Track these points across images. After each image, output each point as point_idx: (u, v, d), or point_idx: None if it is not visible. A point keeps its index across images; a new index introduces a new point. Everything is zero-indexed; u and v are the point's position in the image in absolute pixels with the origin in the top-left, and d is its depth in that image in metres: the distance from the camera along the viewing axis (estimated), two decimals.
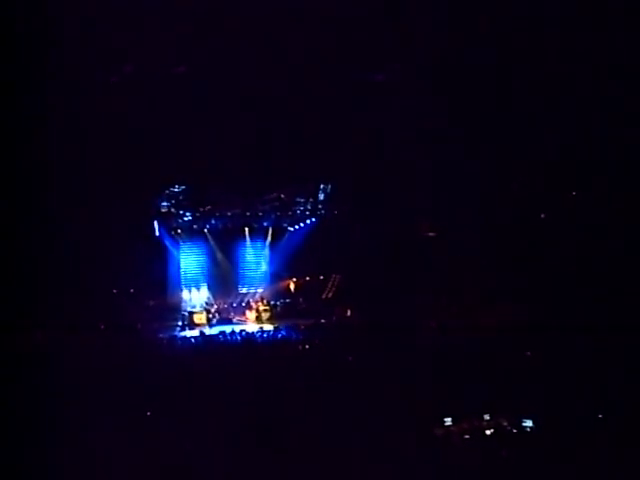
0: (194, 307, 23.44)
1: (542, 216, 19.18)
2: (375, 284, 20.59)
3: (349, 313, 21.84)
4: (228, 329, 21.33)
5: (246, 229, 24.25)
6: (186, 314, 22.95)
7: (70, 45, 15.67)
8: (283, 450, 11.04)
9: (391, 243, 20.68)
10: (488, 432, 11.55)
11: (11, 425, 11.20)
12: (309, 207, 23.78)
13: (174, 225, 23.57)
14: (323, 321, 21.73)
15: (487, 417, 11.85)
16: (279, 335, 20.58)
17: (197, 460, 10.93)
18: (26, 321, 16.14)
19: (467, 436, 11.53)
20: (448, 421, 11.88)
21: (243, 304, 23.99)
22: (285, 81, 18.07)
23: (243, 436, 11.49)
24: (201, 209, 23.69)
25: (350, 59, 17.61)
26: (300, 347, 18.59)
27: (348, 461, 10.42)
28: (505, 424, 11.56)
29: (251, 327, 21.87)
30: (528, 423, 11.53)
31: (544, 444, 10.70)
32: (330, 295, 23.37)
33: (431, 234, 21.28)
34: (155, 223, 23.03)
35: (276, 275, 24.39)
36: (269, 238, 24.38)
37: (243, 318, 23.45)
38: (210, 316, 23.07)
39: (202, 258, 24.13)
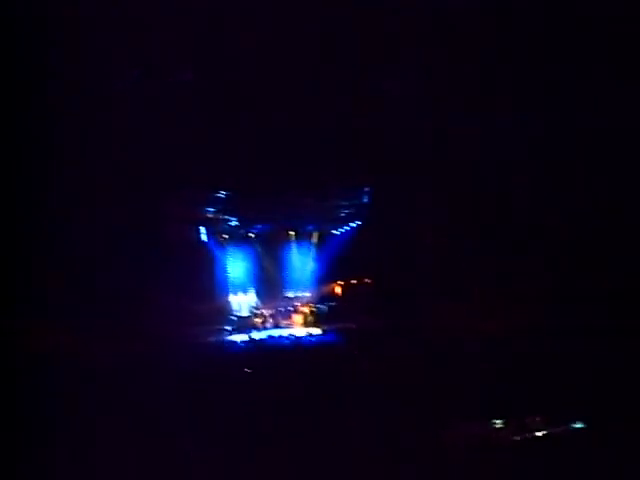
0: (241, 311, 23.63)
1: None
2: (419, 287, 20.52)
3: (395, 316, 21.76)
4: (276, 333, 21.50)
5: (291, 233, 24.36)
6: (234, 318, 23.16)
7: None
8: (326, 449, 11.06)
9: (437, 246, 20.59)
10: (539, 434, 11.41)
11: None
12: (353, 210, 23.77)
13: (220, 230, 23.80)
14: (370, 325, 21.73)
15: (538, 419, 11.71)
16: (327, 339, 20.65)
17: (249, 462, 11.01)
18: (70, 326, 16.42)
19: (517, 437, 11.41)
20: (498, 422, 11.78)
21: (290, 308, 24.10)
22: (333, 83, 18.12)
23: (292, 438, 11.54)
24: (246, 214, 23.86)
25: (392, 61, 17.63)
26: (348, 350, 18.63)
27: (393, 463, 10.41)
28: (556, 426, 11.41)
29: (298, 331, 21.97)
30: (579, 425, 11.37)
31: (594, 446, 10.55)
32: (375, 298, 23.31)
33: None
34: (202, 229, 23.29)
35: (322, 278, 24.43)
36: (314, 242, 24.45)
37: (290, 322, 23.56)
38: (258, 320, 23.26)
39: (248, 263, 24.33)
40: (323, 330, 21.44)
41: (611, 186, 17.17)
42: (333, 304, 24.03)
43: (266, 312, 23.76)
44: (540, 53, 16.40)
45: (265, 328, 22.88)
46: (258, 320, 23.24)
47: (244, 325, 22.87)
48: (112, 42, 15.72)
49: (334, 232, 24.29)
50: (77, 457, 10.59)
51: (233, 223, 23.90)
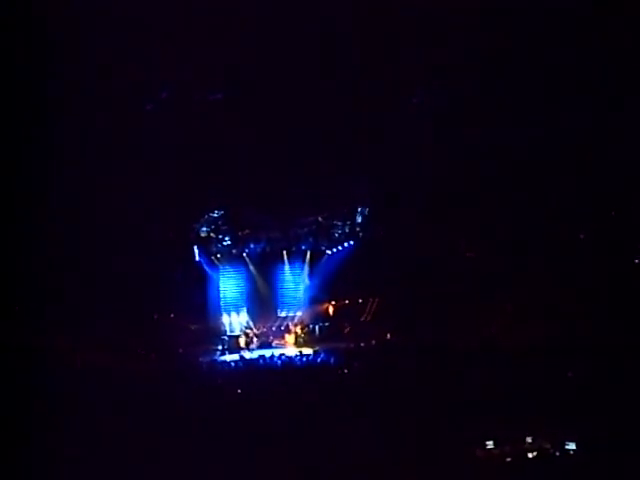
0: (234, 331, 23.50)
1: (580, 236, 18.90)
2: (413, 306, 20.48)
3: (389, 336, 21.70)
4: (268, 353, 21.37)
5: (284, 252, 24.31)
6: (226, 338, 23.03)
7: (110, 72, 16.03)
8: (320, 473, 11.01)
9: (429, 265, 20.56)
10: (530, 455, 11.37)
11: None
12: (347, 230, 23.76)
13: (213, 250, 23.73)
14: (362, 344, 21.65)
15: (529, 440, 11.68)
16: (318, 359, 20.54)
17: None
18: (65, 344, 16.33)
19: (509, 459, 11.37)
20: (490, 444, 11.74)
21: (282, 328, 23.96)
22: (321, 104, 18.20)
23: (280, 459, 11.48)
24: (240, 233, 23.83)
25: (388, 81, 17.72)
26: (339, 371, 18.56)
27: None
28: (547, 447, 11.38)
29: (290, 351, 21.85)
30: (571, 446, 11.33)
31: (587, 467, 10.51)
32: (369, 318, 23.24)
33: (469, 254, 21.10)
34: (195, 248, 23.24)
35: (315, 298, 24.33)
36: (307, 261, 24.39)
37: (282, 342, 23.41)
38: (250, 340, 23.14)
39: (241, 282, 24.22)
40: (314, 351, 21.30)
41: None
42: (326, 324, 23.92)
43: (257, 332, 23.62)
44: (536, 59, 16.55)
45: (257, 348, 22.74)
46: (250, 340, 23.10)
47: (236, 345, 22.73)
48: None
49: (327, 252, 24.22)
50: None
51: (226, 242, 23.83)
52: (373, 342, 21.56)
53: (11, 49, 13.98)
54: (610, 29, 15.77)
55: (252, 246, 24.20)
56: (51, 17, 14.47)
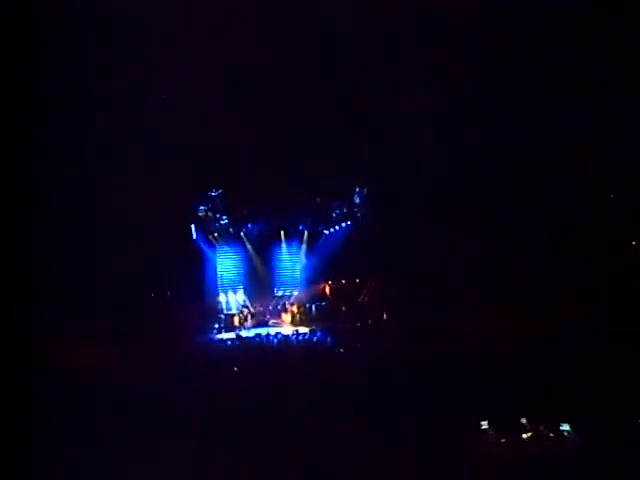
0: (230, 310, 23.58)
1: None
2: (411, 288, 20.51)
3: (385, 317, 21.77)
4: (264, 332, 21.49)
5: (282, 232, 24.32)
6: (223, 317, 23.13)
7: (111, 59, 16.00)
8: (315, 454, 11.07)
9: (427, 246, 20.56)
10: (525, 436, 11.44)
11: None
12: (345, 210, 23.76)
13: (211, 229, 23.73)
14: (359, 324, 21.74)
15: (524, 421, 11.74)
16: (314, 338, 20.65)
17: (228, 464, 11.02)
18: (60, 329, 16.33)
19: (503, 440, 11.44)
20: (484, 425, 11.81)
21: (279, 307, 24.05)
22: (317, 83, 18.13)
23: (274, 438, 11.55)
24: (237, 213, 23.81)
25: (383, 59, 17.63)
26: (335, 350, 18.64)
27: (384, 465, 10.41)
28: (542, 428, 11.45)
29: (287, 330, 21.95)
30: (565, 427, 11.40)
31: (581, 448, 10.59)
32: (366, 299, 23.30)
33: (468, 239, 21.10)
34: (192, 227, 23.24)
35: (312, 278, 24.39)
36: (305, 241, 24.41)
37: (279, 321, 23.52)
38: (246, 319, 23.24)
39: (238, 261, 24.25)
40: (311, 330, 21.39)
41: None
42: (323, 304, 23.99)
43: (254, 310, 23.70)
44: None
45: (253, 326, 22.84)
46: (246, 318, 23.20)
47: (232, 323, 22.83)
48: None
49: (325, 232, 24.23)
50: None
51: (224, 221, 23.81)
52: (369, 322, 21.68)
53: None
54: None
55: (250, 226, 24.19)
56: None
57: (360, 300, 23.30)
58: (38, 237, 15.93)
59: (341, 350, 18.55)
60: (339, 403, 13.25)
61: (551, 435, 11.32)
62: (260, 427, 12.06)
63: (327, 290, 24.16)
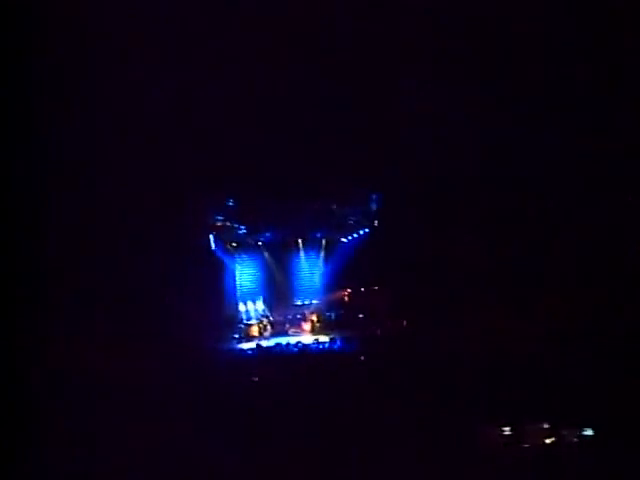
0: (250, 320, 23.61)
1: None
2: (430, 295, 20.43)
3: (405, 324, 21.70)
4: (284, 341, 21.48)
5: (300, 241, 24.34)
6: (242, 327, 23.16)
7: (123, 61, 16.07)
8: (339, 460, 11.02)
9: (445, 253, 20.48)
10: (548, 441, 11.32)
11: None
12: (362, 217, 23.74)
13: (229, 239, 23.80)
14: (379, 332, 21.68)
15: (547, 426, 11.63)
16: (335, 346, 20.62)
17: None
18: (77, 336, 16.40)
19: (526, 445, 11.33)
20: (507, 430, 11.71)
21: (298, 316, 24.06)
22: (335, 93, 18.14)
23: (298, 448, 11.51)
24: (255, 222, 23.86)
25: (401, 70, 17.63)
26: (356, 358, 18.58)
27: (403, 470, 10.36)
28: (565, 433, 11.32)
29: (306, 339, 21.93)
30: (588, 432, 11.27)
31: (604, 453, 10.45)
32: (385, 306, 23.24)
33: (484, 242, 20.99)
34: (211, 237, 23.30)
35: (331, 286, 24.38)
36: (323, 249, 24.42)
37: (298, 330, 23.53)
38: (265, 328, 23.25)
39: (257, 271, 24.31)
40: (331, 338, 21.36)
41: None
42: (342, 312, 23.96)
43: (273, 320, 23.71)
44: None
45: (273, 336, 22.85)
46: (266, 328, 23.22)
47: (252, 333, 22.86)
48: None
49: (343, 240, 24.23)
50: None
51: (241, 231, 23.87)
52: (390, 329, 21.62)
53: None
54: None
55: (268, 235, 24.24)
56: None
57: (379, 307, 23.25)
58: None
59: (362, 357, 18.51)
60: (361, 409, 13.20)
61: (574, 440, 11.20)
62: (280, 433, 12.04)
63: (346, 298, 24.15)
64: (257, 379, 16.49)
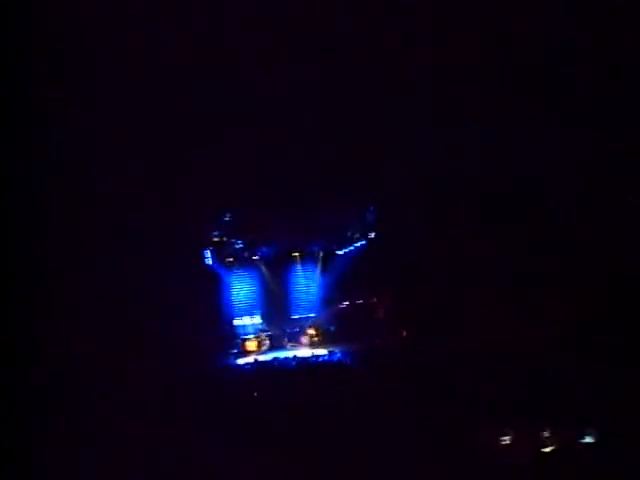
0: (248, 334, 23.51)
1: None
2: (427, 304, 20.39)
3: (404, 334, 21.64)
4: (282, 355, 21.39)
5: (297, 255, 24.30)
6: (240, 342, 23.06)
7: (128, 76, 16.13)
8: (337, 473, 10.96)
9: (441, 263, 20.46)
10: (548, 449, 11.26)
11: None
12: (358, 230, 23.72)
13: (225, 253, 23.75)
14: (378, 344, 21.59)
15: (547, 434, 11.57)
16: (333, 360, 20.53)
17: None
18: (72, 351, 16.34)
19: (526, 453, 11.25)
20: (506, 439, 11.66)
21: (296, 330, 23.97)
22: (330, 105, 18.17)
23: (296, 462, 11.45)
24: (251, 237, 23.82)
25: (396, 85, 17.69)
26: (354, 371, 18.52)
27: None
28: (564, 441, 11.26)
29: (305, 352, 21.84)
30: (589, 440, 11.21)
31: (605, 460, 10.38)
32: (384, 317, 23.18)
33: (484, 252, 20.95)
34: (207, 252, 23.26)
35: (328, 300, 24.31)
36: (320, 263, 24.37)
37: (297, 344, 23.43)
38: (264, 343, 23.15)
39: (254, 285, 24.23)
40: (329, 351, 21.27)
41: None
42: (340, 325, 23.86)
43: (272, 334, 23.61)
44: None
45: (271, 350, 22.75)
46: (264, 343, 23.11)
47: (249, 348, 22.75)
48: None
49: (339, 252, 24.19)
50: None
51: (238, 246, 23.83)
52: (388, 341, 21.53)
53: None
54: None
55: (264, 249, 24.19)
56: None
57: (378, 319, 23.19)
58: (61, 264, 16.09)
59: (361, 370, 18.44)
60: (361, 422, 13.14)
61: (574, 448, 11.13)
62: (278, 448, 11.97)
63: (344, 311, 24.06)
64: (256, 394, 16.41)
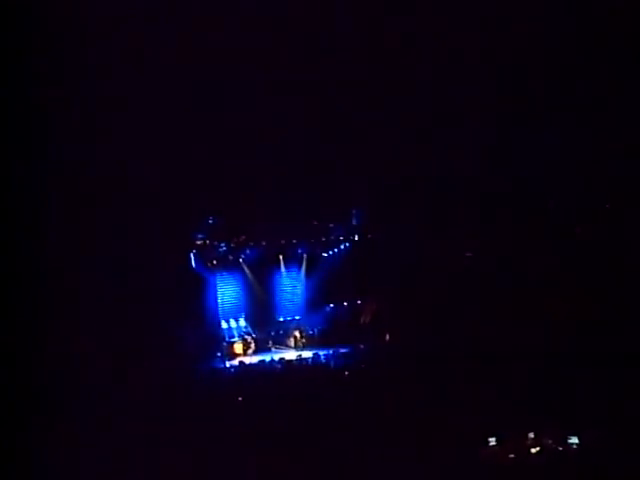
0: (233, 337, 23.46)
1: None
2: (412, 308, 20.45)
3: (387, 337, 21.69)
4: (267, 358, 21.38)
5: (281, 257, 24.28)
6: (225, 345, 23.01)
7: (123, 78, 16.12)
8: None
9: (426, 265, 20.54)
10: (533, 450, 11.35)
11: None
12: (342, 232, 23.76)
13: (210, 256, 23.68)
14: (362, 347, 21.62)
15: (532, 435, 11.66)
16: (318, 362, 20.55)
17: None
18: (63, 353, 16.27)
19: (512, 455, 11.34)
20: (492, 441, 11.72)
21: (281, 332, 23.95)
22: (316, 108, 18.20)
23: (281, 463, 11.46)
24: (235, 239, 23.79)
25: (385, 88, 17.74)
26: (339, 374, 18.54)
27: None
28: (550, 442, 11.35)
29: (290, 355, 21.85)
30: (574, 440, 11.31)
31: (590, 461, 10.49)
32: (368, 320, 23.22)
33: (468, 254, 21.05)
34: (191, 255, 23.20)
35: (313, 302, 24.30)
36: (304, 265, 24.36)
37: (282, 346, 23.42)
38: (249, 346, 23.11)
39: (239, 288, 24.17)
40: (314, 354, 21.28)
41: None
42: (325, 327, 23.89)
43: (256, 337, 23.58)
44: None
45: (256, 353, 22.72)
46: (248, 345, 23.08)
47: (235, 351, 22.72)
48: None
49: (324, 254, 24.21)
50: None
51: (222, 248, 23.78)
52: (372, 344, 21.57)
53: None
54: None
55: (248, 252, 24.14)
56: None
57: (362, 322, 23.23)
58: (39, 264, 15.99)
59: (345, 373, 18.47)
60: (345, 425, 13.17)
61: (559, 448, 11.23)
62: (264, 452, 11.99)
63: (329, 313, 24.08)
64: (241, 399, 16.40)
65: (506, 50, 16.68)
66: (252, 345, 23.23)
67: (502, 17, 16.11)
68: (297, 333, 23.61)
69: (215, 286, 23.84)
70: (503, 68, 17.05)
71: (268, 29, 16.32)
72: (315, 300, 24.12)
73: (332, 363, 20.08)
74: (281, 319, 24.35)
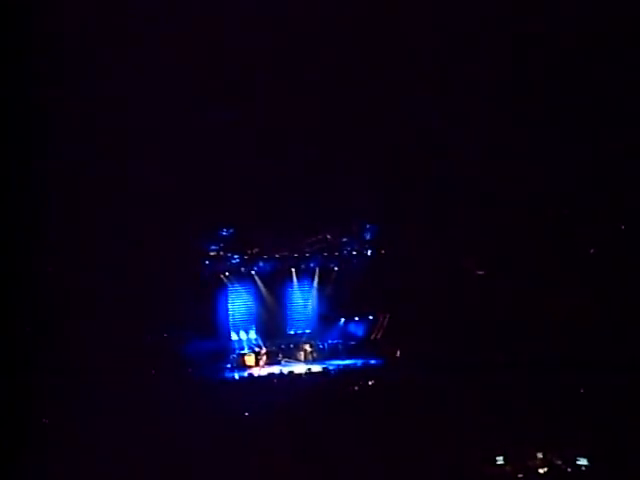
0: (243, 349, 23.46)
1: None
2: (423, 324, 20.37)
3: (398, 353, 21.62)
4: (277, 370, 21.35)
5: (293, 270, 24.29)
6: (235, 356, 23.01)
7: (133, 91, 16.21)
8: None
9: (438, 281, 20.47)
10: (541, 471, 11.24)
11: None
12: (355, 247, 23.75)
13: (222, 268, 23.73)
14: (373, 362, 21.58)
15: (540, 455, 11.55)
16: (328, 376, 20.49)
17: None
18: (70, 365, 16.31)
19: (520, 475, 11.24)
20: (500, 460, 11.63)
21: (291, 345, 23.93)
22: (329, 122, 18.24)
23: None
24: (248, 252, 23.83)
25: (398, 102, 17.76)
26: (350, 388, 18.47)
27: None
28: (559, 462, 11.24)
29: (300, 368, 21.80)
30: (582, 462, 11.19)
31: None
32: (379, 335, 23.18)
33: (479, 272, 20.98)
34: (204, 266, 23.24)
35: (324, 316, 24.28)
36: (316, 279, 24.36)
37: (292, 359, 23.39)
38: (259, 358, 23.10)
39: (250, 300, 24.19)
40: (324, 368, 21.24)
41: None
42: (336, 341, 23.87)
43: (267, 349, 23.56)
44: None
45: (266, 365, 22.70)
46: (259, 358, 23.07)
47: (245, 363, 22.72)
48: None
49: (336, 269, 24.19)
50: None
51: (235, 260, 23.83)
52: (383, 359, 21.51)
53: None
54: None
55: (261, 264, 24.18)
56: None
57: (373, 337, 23.19)
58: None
59: (355, 388, 18.40)
60: (351, 441, 13.11)
61: (568, 469, 11.11)
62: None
63: (340, 327, 24.05)
64: (247, 414, 16.35)
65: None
66: (262, 357, 23.24)
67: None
68: (307, 347, 23.59)
69: (227, 298, 23.88)
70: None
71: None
72: (326, 314, 24.11)
73: (342, 377, 20.00)
74: (292, 332, 24.33)
